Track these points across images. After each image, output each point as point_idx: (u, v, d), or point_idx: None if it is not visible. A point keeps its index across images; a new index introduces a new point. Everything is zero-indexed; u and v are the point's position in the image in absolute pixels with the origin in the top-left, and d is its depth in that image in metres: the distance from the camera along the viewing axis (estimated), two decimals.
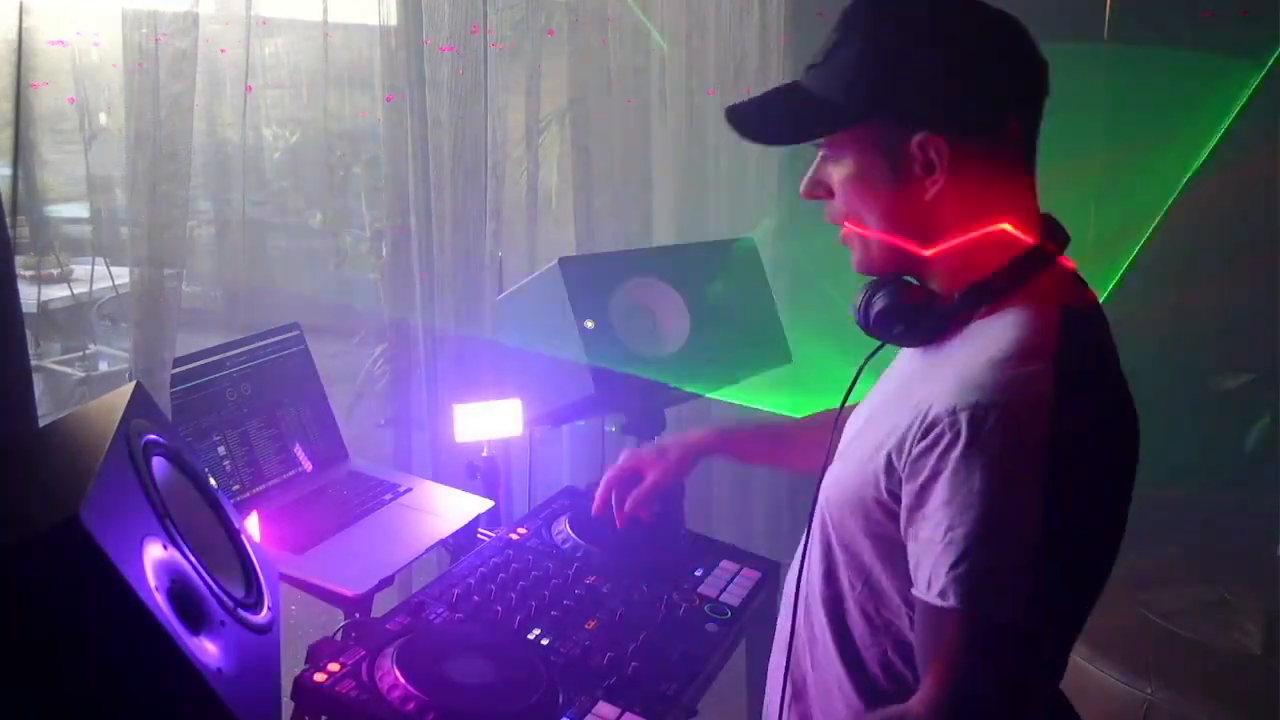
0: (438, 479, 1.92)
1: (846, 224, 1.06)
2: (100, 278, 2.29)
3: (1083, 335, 0.98)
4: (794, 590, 1.13)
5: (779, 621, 1.20)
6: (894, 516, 0.97)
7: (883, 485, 0.98)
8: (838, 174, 1.05)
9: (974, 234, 1.00)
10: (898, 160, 0.99)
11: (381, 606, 1.46)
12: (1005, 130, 0.99)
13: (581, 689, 1.25)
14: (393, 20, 2.17)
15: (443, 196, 2.19)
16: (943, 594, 0.87)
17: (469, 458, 1.80)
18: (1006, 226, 1.00)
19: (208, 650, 0.91)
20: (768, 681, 1.21)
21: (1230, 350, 3.17)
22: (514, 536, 1.62)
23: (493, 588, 1.45)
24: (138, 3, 1.67)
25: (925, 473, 0.91)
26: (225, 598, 1.01)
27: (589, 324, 1.67)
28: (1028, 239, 1.00)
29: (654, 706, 1.24)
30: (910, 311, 1.04)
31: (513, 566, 1.51)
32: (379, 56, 2.20)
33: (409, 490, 1.77)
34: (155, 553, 0.91)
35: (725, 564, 1.63)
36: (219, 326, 2.01)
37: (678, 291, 1.80)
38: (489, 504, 1.75)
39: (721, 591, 1.54)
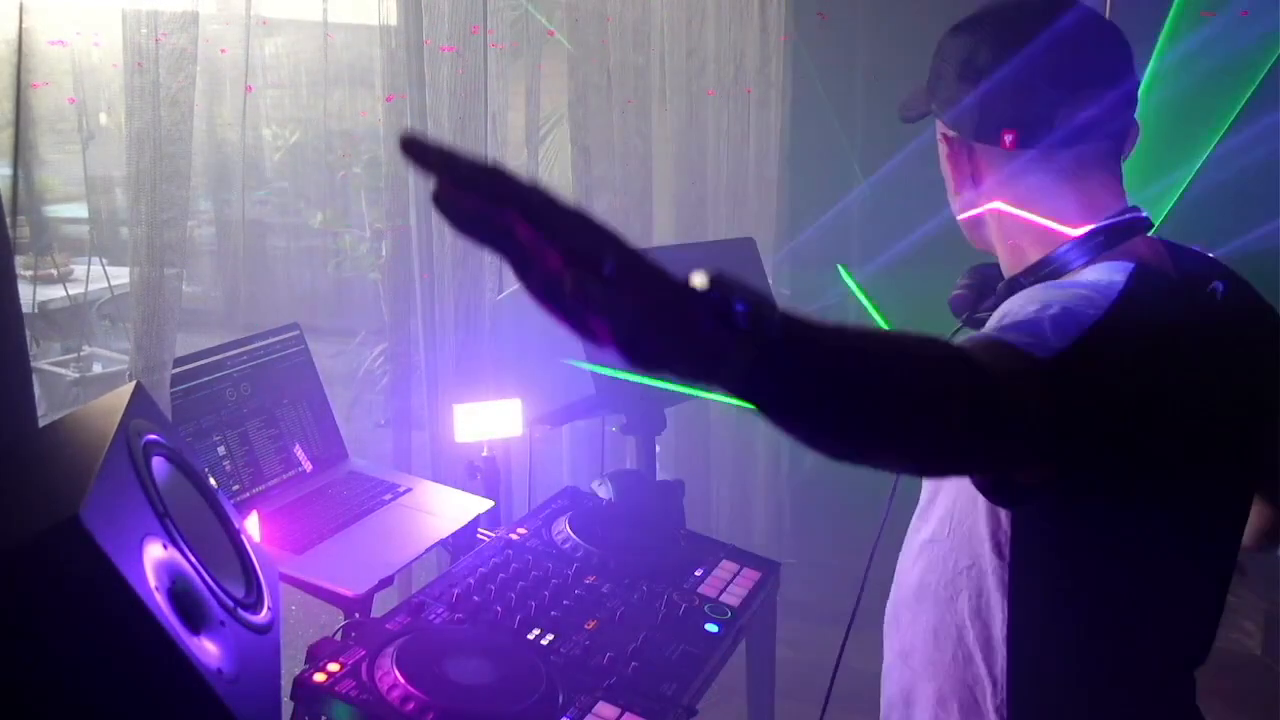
0: (438, 479, 1.92)
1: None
2: (98, 278, 2.29)
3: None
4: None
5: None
6: None
7: None
8: None
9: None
10: None
11: (381, 606, 1.46)
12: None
13: (581, 689, 1.25)
14: (393, 20, 2.18)
15: None
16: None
17: (469, 458, 1.80)
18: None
19: (208, 650, 0.91)
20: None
21: None
22: (514, 536, 1.62)
23: (492, 588, 1.45)
24: (138, 2, 1.67)
25: None
26: (225, 598, 1.01)
27: None
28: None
29: (654, 706, 1.24)
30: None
31: (513, 566, 1.51)
32: (379, 56, 2.20)
33: (409, 490, 1.77)
34: (155, 553, 0.91)
35: (725, 564, 1.63)
36: (219, 326, 2.01)
37: None
38: (489, 504, 1.74)
39: (721, 591, 1.54)
